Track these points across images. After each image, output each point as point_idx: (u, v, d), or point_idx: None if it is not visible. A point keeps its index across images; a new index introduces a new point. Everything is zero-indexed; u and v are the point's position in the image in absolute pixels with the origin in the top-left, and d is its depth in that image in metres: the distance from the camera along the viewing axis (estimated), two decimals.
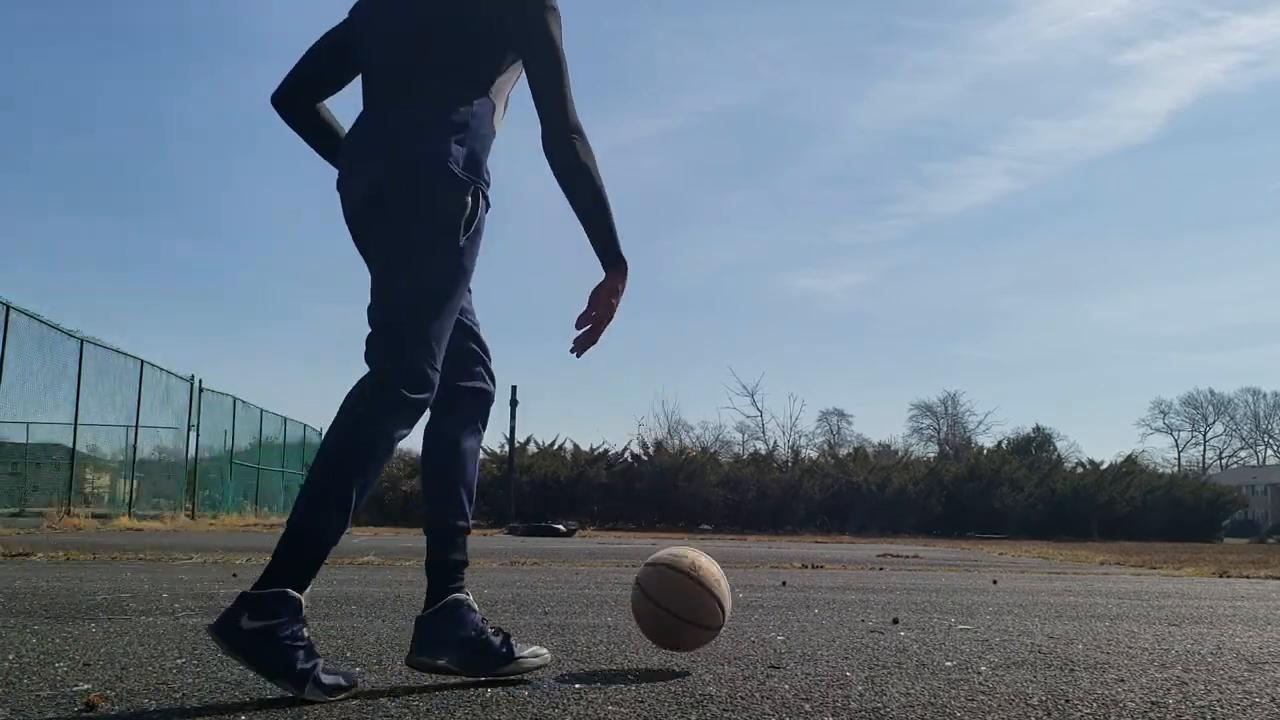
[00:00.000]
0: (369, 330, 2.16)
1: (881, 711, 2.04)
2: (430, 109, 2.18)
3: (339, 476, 2.01)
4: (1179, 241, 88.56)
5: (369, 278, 2.22)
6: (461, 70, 2.24)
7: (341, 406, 2.09)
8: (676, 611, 2.54)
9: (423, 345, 2.12)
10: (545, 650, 2.36)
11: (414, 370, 2.10)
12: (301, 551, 1.99)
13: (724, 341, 73.37)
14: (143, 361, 16.71)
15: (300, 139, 2.51)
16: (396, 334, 2.12)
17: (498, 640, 2.24)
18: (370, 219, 2.21)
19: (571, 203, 2.27)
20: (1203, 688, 2.41)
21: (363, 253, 2.28)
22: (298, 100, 2.46)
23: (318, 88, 2.47)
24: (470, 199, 2.16)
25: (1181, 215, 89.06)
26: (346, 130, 2.36)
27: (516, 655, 2.26)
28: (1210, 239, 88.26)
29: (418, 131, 2.15)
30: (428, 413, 2.21)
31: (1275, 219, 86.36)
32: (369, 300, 2.18)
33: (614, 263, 2.29)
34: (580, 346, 2.30)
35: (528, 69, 2.26)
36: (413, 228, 2.13)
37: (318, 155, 2.50)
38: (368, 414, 2.07)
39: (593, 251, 2.28)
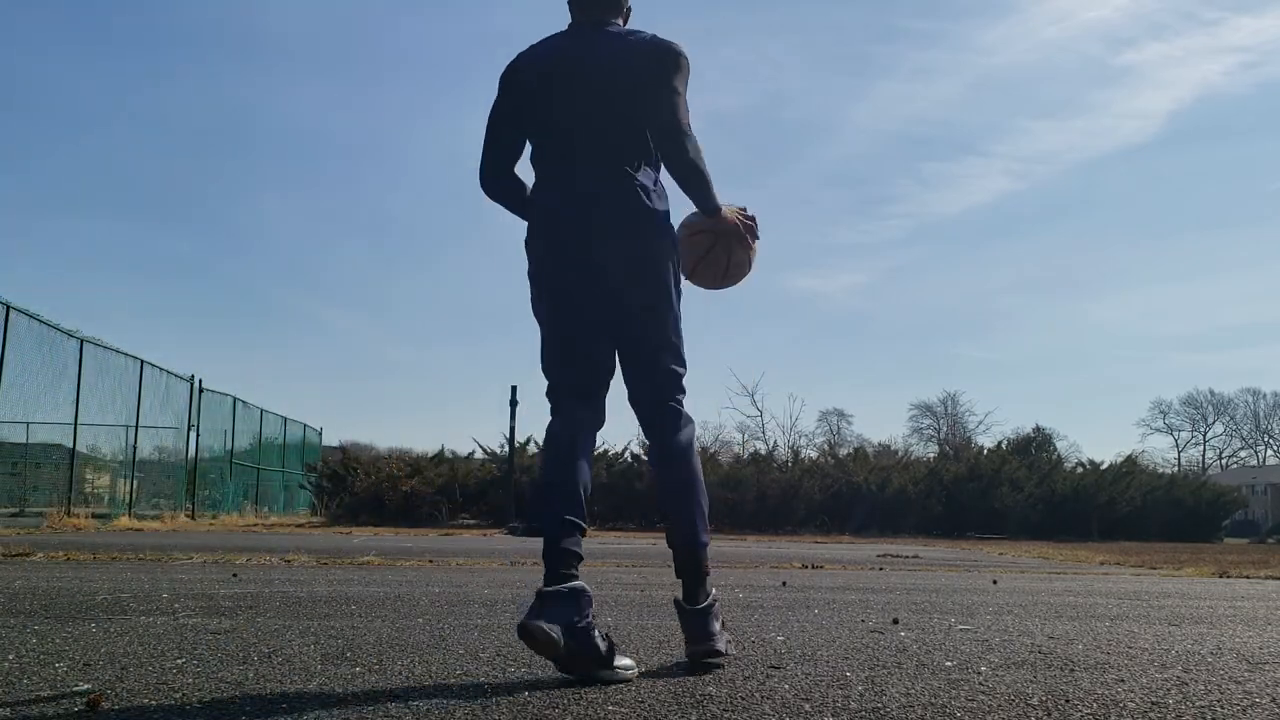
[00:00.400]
0: (647, 355, 2.65)
1: (881, 712, 2.04)
2: (640, 174, 2.65)
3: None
4: (1179, 242, 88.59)
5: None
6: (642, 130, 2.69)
7: (683, 439, 2.77)
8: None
9: (684, 365, 2.76)
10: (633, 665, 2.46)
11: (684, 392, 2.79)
12: (706, 561, 2.78)
13: (724, 341, 73.38)
14: (143, 361, 16.71)
15: (501, 207, 2.82)
16: (680, 357, 2.73)
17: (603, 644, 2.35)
18: (604, 274, 2.59)
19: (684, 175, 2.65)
20: (1203, 688, 2.41)
21: (567, 295, 2.63)
22: (504, 173, 2.78)
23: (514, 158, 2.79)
24: None
25: (1181, 215, 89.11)
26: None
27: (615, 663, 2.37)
28: (1210, 239, 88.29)
29: (643, 192, 2.62)
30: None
31: (1274, 219, 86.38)
32: (623, 336, 2.66)
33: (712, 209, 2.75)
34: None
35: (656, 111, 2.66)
36: (664, 274, 2.67)
37: (510, 213, 2.82)
38: (692, 435, 2.80)
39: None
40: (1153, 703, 2.20)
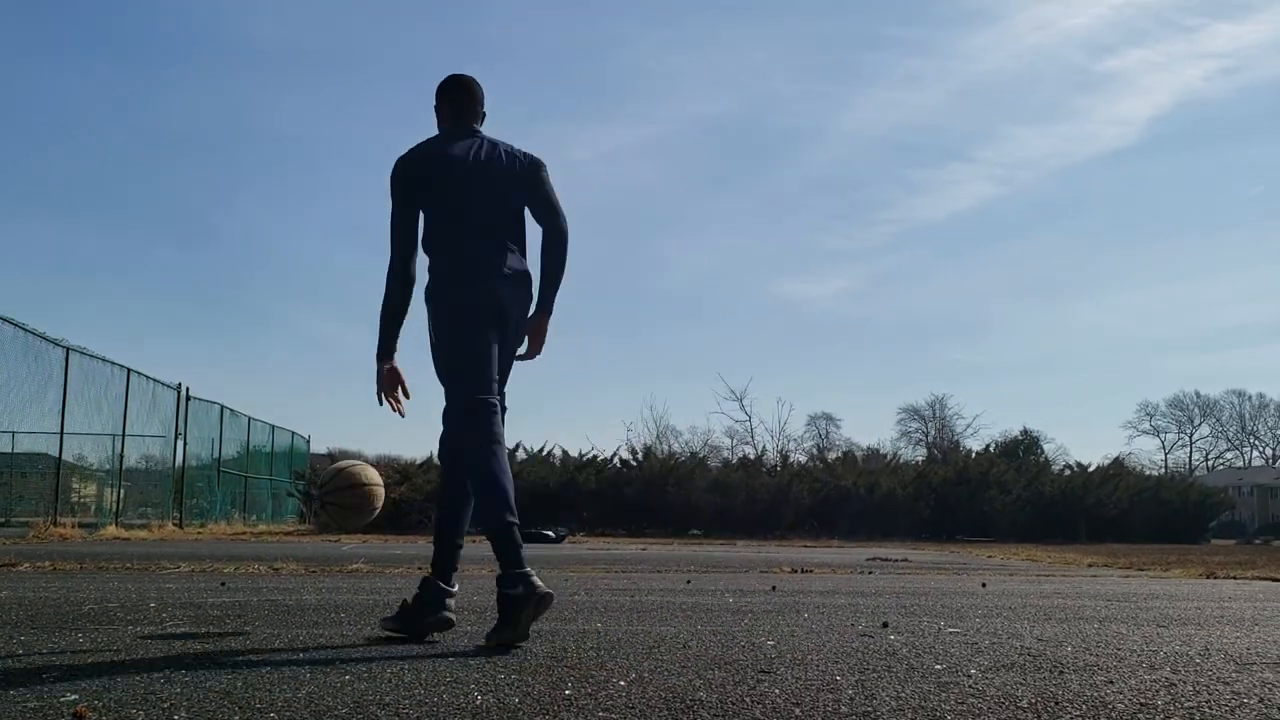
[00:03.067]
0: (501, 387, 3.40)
1: (872, 715, 2.04)
2: (521, 256, 3.43)
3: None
4: (1163, 245, 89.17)
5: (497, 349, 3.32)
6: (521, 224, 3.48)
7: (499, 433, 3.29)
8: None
9: None
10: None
11: None
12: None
13: (712, 346, 73.46)
14: (129, 370, 16.62)
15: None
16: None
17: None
18: (512, 322, 3.34)
19: (556, 269, 3.43)
20: (1191, 689, 2.42)
21: (488, 331, 3.27)
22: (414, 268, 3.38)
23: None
24: None
25: (1164, 219, 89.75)
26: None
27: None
28: (1193, 243, 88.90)
29: (525, 276, 3.41)
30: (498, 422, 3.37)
31: (1257, 222, 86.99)
32: (502, 369, 3.37)
33: (551, 309, 3.43)
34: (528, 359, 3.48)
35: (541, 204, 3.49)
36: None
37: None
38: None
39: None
40: (1141, 704, 2.21)
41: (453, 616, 3.27)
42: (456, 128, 3.45)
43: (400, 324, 3.33)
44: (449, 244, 3.31)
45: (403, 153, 3.38)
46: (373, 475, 3.69)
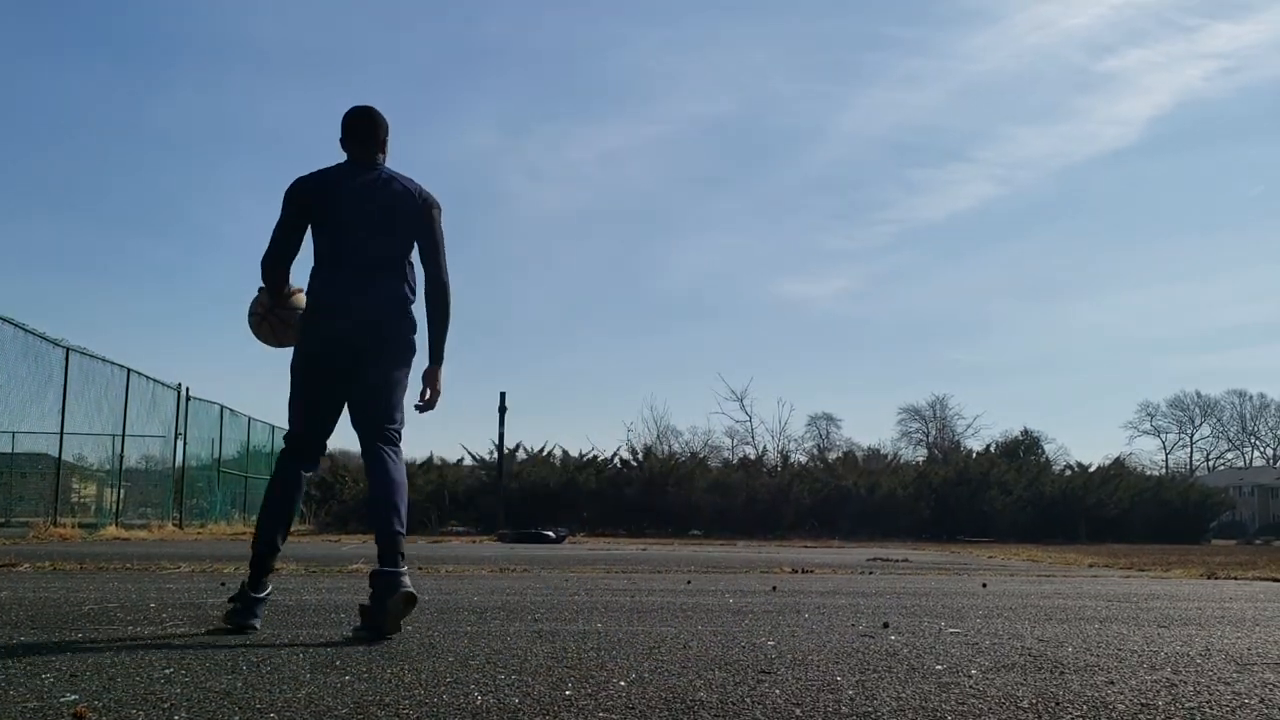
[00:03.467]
0: (381, 415, 3.51)
1: (872, 716, 2.04)
2: (404, 288, 3.58)
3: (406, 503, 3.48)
4: (1163, 245, 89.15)
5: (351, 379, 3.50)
6: (407, 258, 3.62)
7: (401, 469, 3.48)
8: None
9: (403, 425, 3.61)
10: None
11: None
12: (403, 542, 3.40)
13: (712, 347, 73.47)
14: (129, 370, 16.61)
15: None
16: (402, 420, 3.58)
17: None
18: (365, 362, 3.47)
19: (440, 318, 3.66)
20: (1192, 689, 2.42)
21: (326, 375, 3.49)
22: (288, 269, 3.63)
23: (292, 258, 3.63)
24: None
25: (1164, 219, 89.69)
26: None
27: None
28: (1194, 243, 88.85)
29: (404, 308, 3.56)
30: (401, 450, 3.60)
31: (1258, 222, 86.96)
32: (369, 397, 3.50)
33: (441, 359, 3.67)
34: (427, 410, 3.71)
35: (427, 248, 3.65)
36: (406, 369, 3.58)
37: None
38: (401, 461, 3.53)
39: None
40: (1142, 704, 2.20)
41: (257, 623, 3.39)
42: (357, 159, 3.60)
43: (279, 280, 3.62)
44: (318, 280, 3.52)
45: (303, 174, 3.56)
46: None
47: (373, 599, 3.19)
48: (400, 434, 3.57)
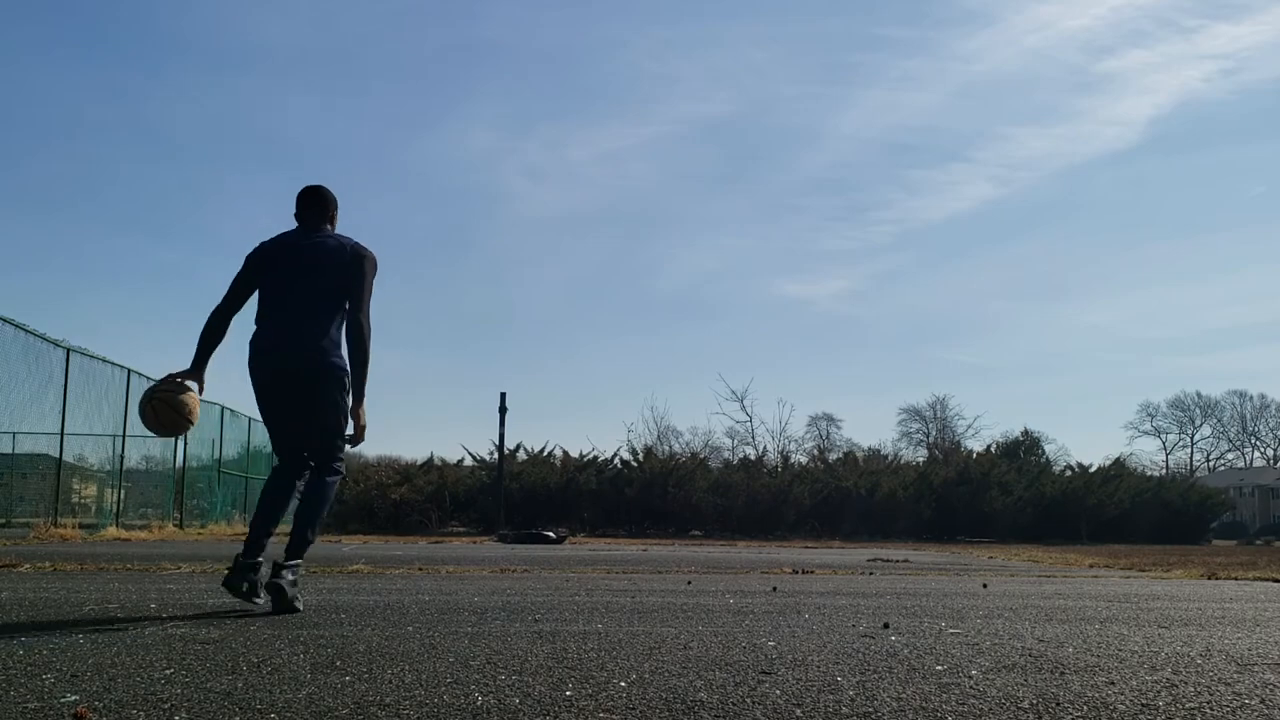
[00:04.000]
0: (319, 444, 4.15)
1: (873, 716, 2.04)
2: (332, 329, 4.08)
3: (321, 520, 4.20)
4: (1163, 246, 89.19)
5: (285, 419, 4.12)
6: (340, 305, 4.10)
7: (325, 492, 4.18)
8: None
9: (342, 452, 4.23)
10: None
11: (343, 464, 4.32)
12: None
13: (713, 347, 73.53)
14: (129, 370, 16.61)
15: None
16: (339, 449, 4.19)
17: None
18: (302, 393, 4.03)
19: (358, 359, 4.08)
20: (1192, 690, 2.42)
21: (278, 406, 4.08)
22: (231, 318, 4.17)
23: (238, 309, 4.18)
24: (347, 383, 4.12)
25: (1165, 220, 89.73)
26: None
27: None
28: (1194, 243, 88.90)
29: (331, 346, 4.06)
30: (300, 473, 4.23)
31: (1258, 222, 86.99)
32: (308, 430, 4.11)
33: (362, 396, 4.12)
34: (357, 444, 4.21)
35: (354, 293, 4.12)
36: (337, 401, 4.09)
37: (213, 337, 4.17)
38: (332, 492, 4.24)
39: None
40: (1143, 705, 2.20)
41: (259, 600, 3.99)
42: (308, 227, 4.23)
43: (207, 347, 4.15)
44: (259, 325, 4.10)
45: (265, 239, 4.20)
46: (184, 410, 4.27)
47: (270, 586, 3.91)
48: (341, 463, 4.26)
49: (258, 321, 4.11)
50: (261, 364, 4.05)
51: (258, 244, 4.19)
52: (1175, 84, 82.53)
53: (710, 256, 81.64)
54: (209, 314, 4.12)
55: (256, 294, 4.15)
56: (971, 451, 35.63)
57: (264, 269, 4.13)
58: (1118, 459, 30.08)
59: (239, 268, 4.15)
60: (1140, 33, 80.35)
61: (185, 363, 4.16)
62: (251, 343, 4.09)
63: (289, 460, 4.17)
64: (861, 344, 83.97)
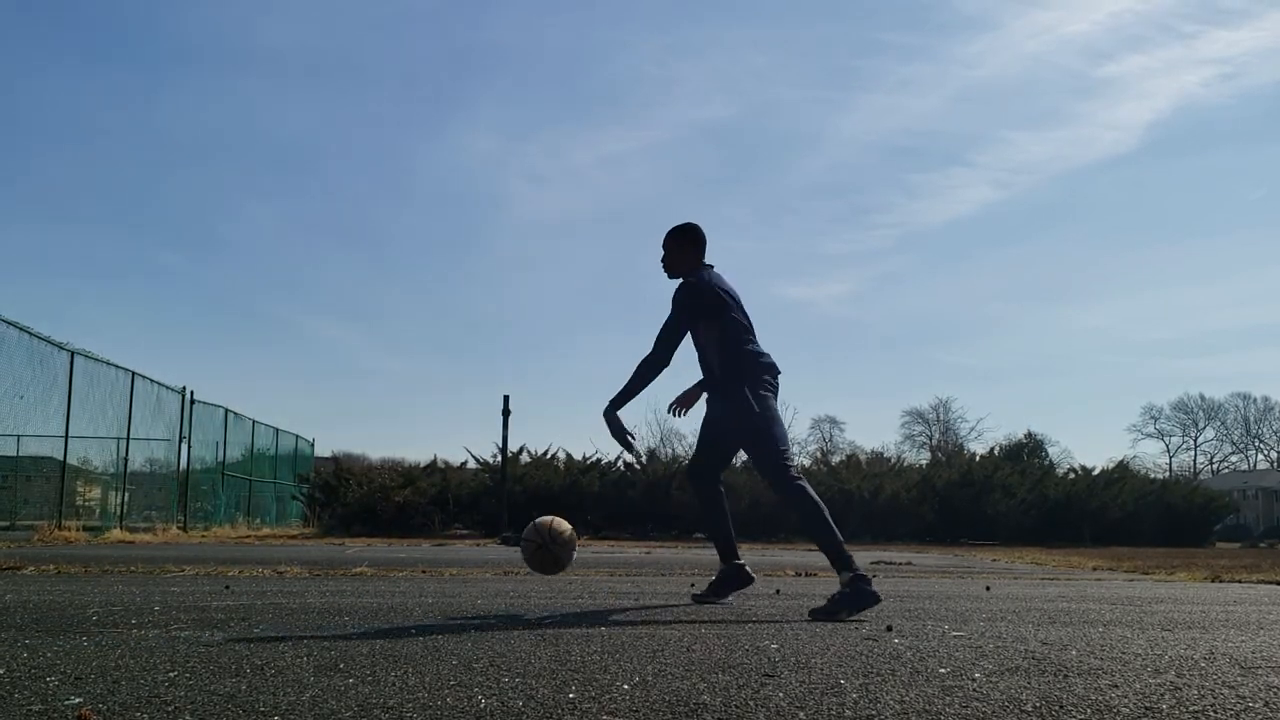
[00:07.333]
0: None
1: (876, 719, 2.04)
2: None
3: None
4: (1165, 249, 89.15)
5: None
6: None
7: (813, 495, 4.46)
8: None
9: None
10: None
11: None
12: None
13: None
14: (134, 373, 16.63)
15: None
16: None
17: None
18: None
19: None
20: (1196, 693, 2.42)
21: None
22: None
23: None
24: None
25: (1166, 223, 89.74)
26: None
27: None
28: (1196, 246, 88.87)
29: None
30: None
31: (1260, 225, 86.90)
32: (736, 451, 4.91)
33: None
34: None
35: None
36: None
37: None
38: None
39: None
40: (1146, 708, 2.20)
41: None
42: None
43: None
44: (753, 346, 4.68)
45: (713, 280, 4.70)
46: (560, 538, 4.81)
47: None
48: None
49: (753, 340, 4.65)
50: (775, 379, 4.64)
51: (712, 283, 4.62)
52: (1174, 89, 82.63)
53: (710, 259, 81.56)
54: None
55: (725, 322, 4.55)
56: (975, 454, 35.55)
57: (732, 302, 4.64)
58: (1121, 462, 30.00)
59: (688, 309, 4.57)
60: (1139, 38, 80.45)
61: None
62: (768, 360, 4.62)
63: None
64: (863, 347, 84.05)
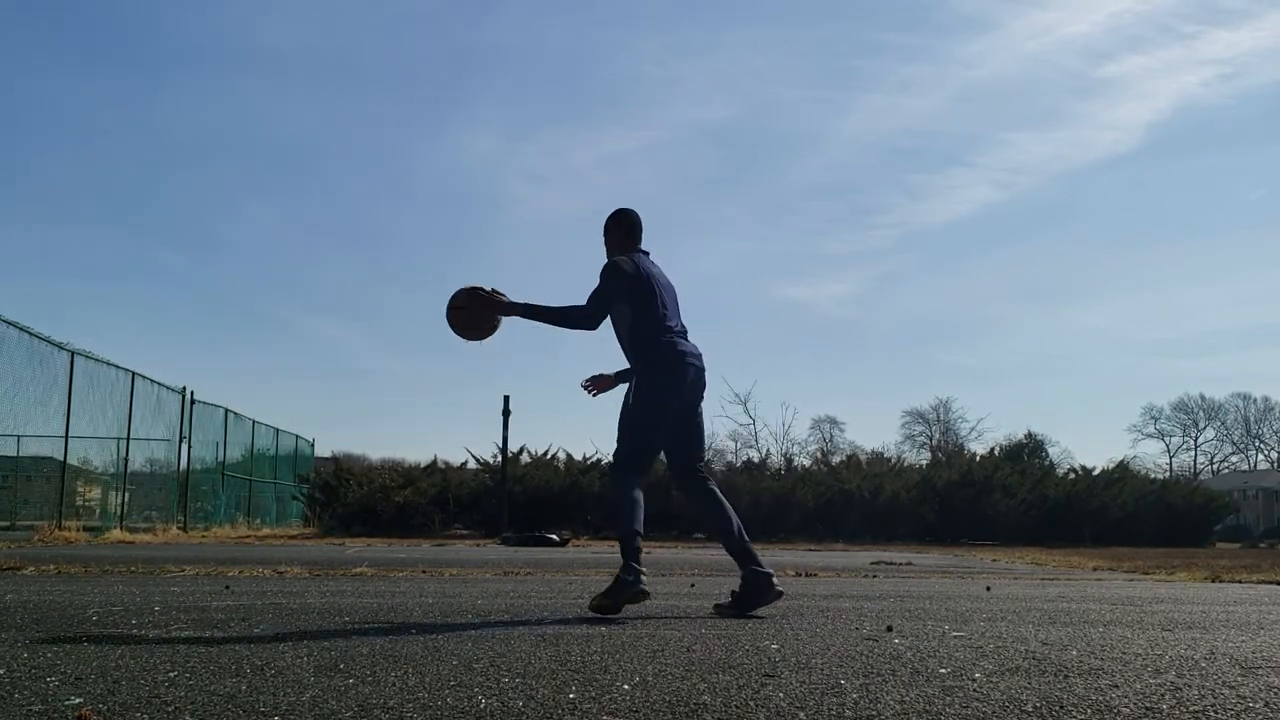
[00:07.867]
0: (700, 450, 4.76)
1: (876, 719, 2.04)
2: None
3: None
4: (1165, 249, 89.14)
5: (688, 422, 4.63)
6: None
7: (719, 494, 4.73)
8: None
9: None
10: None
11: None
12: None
13: (715, 350, 73.14)
14: (134, 373, 16.62)
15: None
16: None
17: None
18: (698, 400, 4.63)
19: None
20: (1196, 693, 2.42)
21: (689, 409, 4.59)
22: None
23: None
24: None
25: (1167, 223, 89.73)
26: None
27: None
28: (1196, 246, 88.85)
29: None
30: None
31: (1260, 225, 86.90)
32: (699, 439, 4.74)
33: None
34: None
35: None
36: None
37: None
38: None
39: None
40: (1147, 708, 2.20)
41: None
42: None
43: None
44: (670, 332, 4.63)
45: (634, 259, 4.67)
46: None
47: None
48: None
49: (668, 329, 4.53)
50: (690, 370, 4.51)
51: (633, 261, 4.60)
52: (1174, 89, 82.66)
53: (711, 260, 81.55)
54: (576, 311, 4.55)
55: (637, 305, 4.49)
56: (975, 454, 35.54)
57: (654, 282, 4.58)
58: (1121, 462, 30.00)
59: (608, 281, 4.50)
60: (1139, 39, 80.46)
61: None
62: (679, 349, 4.50)
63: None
64: (863, 347, 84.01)
